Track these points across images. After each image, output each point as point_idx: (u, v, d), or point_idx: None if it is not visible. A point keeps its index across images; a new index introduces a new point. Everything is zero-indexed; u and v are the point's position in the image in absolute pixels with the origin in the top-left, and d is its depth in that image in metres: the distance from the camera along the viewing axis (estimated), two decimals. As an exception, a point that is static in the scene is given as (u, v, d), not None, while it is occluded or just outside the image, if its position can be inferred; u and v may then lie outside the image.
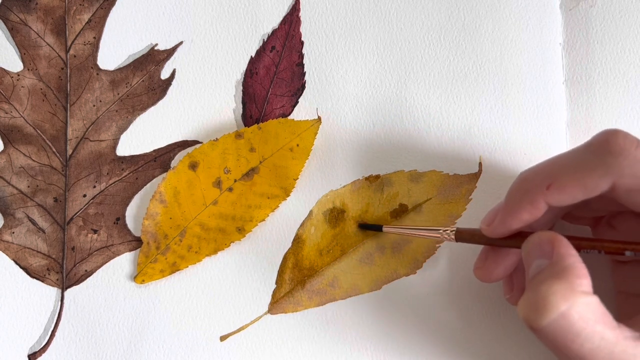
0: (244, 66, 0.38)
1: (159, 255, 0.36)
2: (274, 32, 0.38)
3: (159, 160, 0.37)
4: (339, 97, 0.37)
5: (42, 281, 0.36)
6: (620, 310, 0.31)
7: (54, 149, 0.37)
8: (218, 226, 0.36)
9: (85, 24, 0.38)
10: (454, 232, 0.31)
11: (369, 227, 0.35)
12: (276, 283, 0.36)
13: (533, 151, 0.35)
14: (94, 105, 0.38)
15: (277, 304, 0.35)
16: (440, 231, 0.32)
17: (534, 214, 0.28)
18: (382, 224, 0.35)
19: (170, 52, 0.38)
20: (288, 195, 0.36)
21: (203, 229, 0.36)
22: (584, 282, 0.25)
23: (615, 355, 0.24)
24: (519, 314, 0.25)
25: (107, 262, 0.36)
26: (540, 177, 0.27)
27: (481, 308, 0.34)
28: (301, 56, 0.37)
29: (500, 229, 0.29)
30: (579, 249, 0.27)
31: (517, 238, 0.29)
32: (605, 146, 0.26)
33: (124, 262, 0.36)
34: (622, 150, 0.26)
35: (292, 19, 0.38)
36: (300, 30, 0.38)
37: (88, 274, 0.36)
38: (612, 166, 0.26)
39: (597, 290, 0.25)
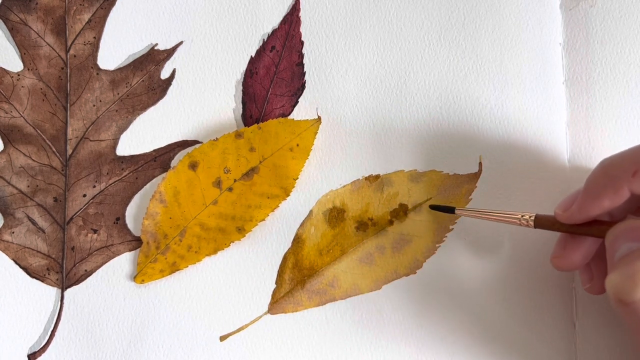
0: (244, 66, 0.38)
1: (158, 255, 0.36)
2: (274, 32, 0.38)
3: (159, 160, 0.37)
4: (339, 97, 0.37)
5: (42, 281, 0.36)
6: None
7: (54, 149, 0.37)
8: (218, 226, 0.36)
9: (85, 23, 0.38)
10: (532, 218, 0.31)
11: (441, 209, 0.34)
12: (276, 283, 0.36)
13: (533, 151, 0.35)
14: (94, 105, 0.38)
15: (277, 303, 0.35)
16: (519, 216, 0.31)
17: (615, 201, 0.27)
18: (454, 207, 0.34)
19: (170, 52, 0.38)
20: (288, 195, 0.36)
21: (203, 229, 0.36)
22: None
23: None
24: (608, 288, 0.25)
25: (107, 262, 0.36)
26: (627, 163, 0.27)
27: (481, 307, 0.34)
28: (301, 56, 0.37)
29: (577, 215, 0.28)
30: None
31: (597, 226, 0.29)
32: None
33: (123, 262, 0.36)
34: None
35: (292, 19, 0.38)
36: (300, 30, 0.38)
37: (88, 274, 0.36)
38: None
39: None
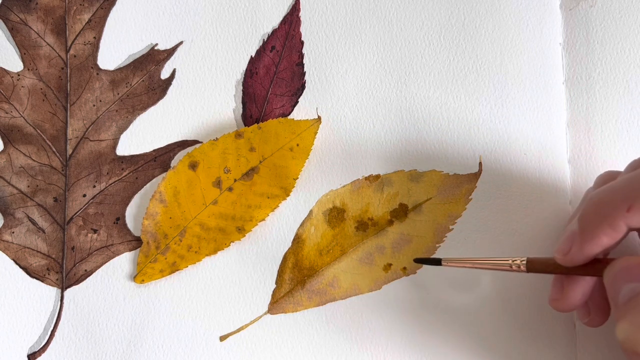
0: (244, 66, 0.38)
1: (158, 255, 0.36)
2: (274, 32, 0.38)
3: (159, 160, 0.37)
4: (339, 97, 0.37)
5: (42, 281, 0.36)
6: None
7: (54, 149, 0.37)
8: (218, 226, 0.36)
9: (86, 23, 0.38)
10: (524, 262, 0.30)
11: (426, 262, 0.33)
12: (276, 283, 0.36)
13: (533, 151, 0.35)
14: (94, 105, 0.38)
15: (277, 304, 0.35)
16: (509, 262, 0.30)
17: (614, 237, 0.27)
18: (440, 258, 0.32)
19: (170, 52, 0.38)
20: (288, 195, 0.36)
21: (203, 229, 0.36)
22: None
23: None
24: (620, 339, 0.25)
25: (106, 261, 0.36)
26: (619, 199, 0.26)
27: (481, 307, 0.34)
28: (301, 56, 0.37)
29: (578, 256, 0.28)
30: None
31: (593, 265, 0.28)
32: None
33: (123, 262, 0.36)
34: None
35: (292, 19, 0.38)
36: (300, 30, 0.38)
37: (88, 274, 0.36)
38: None
39: None
